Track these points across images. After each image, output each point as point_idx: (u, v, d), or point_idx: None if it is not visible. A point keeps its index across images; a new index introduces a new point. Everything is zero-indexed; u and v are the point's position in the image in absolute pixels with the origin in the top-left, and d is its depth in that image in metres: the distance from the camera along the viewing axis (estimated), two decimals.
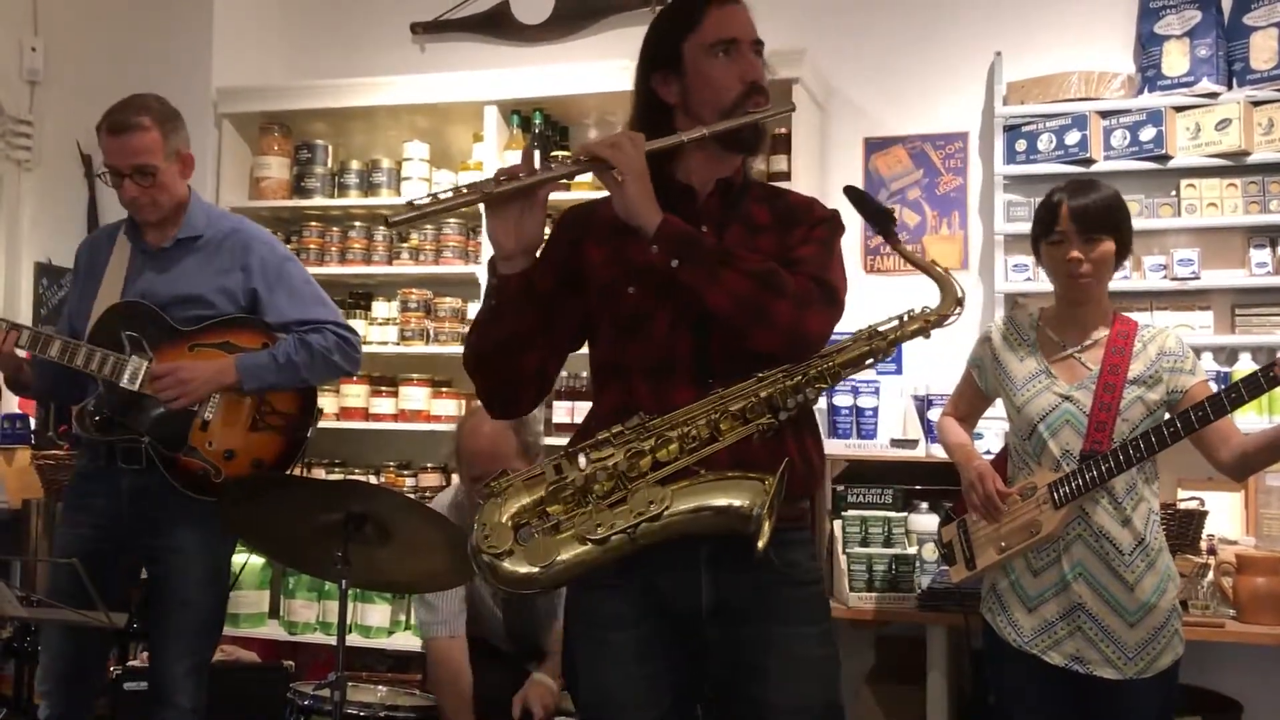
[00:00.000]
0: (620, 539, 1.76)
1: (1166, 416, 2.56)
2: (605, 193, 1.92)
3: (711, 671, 1.96)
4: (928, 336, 1.98)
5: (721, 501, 1.78)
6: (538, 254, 1.99)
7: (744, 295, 1.84)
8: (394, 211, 1.85)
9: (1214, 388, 2.56)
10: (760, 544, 1.76)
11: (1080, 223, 2.56)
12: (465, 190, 1.87)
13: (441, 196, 1.85)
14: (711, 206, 2.02)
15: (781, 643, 1.91)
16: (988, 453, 3.06)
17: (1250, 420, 3.42)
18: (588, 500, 1.80)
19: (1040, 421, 2.61)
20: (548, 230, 2.02)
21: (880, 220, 2.04)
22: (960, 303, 1.98)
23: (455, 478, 3.74)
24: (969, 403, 2.90)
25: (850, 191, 2.06)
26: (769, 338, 1.85)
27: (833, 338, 1.95)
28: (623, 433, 1.83)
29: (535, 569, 1.76)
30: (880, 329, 1.94)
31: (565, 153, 4.29)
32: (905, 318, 1.96)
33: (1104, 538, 2.53)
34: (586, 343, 2.09)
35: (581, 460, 1.82)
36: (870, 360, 1.95)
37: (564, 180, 2.00)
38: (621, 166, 1.85)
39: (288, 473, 2.99)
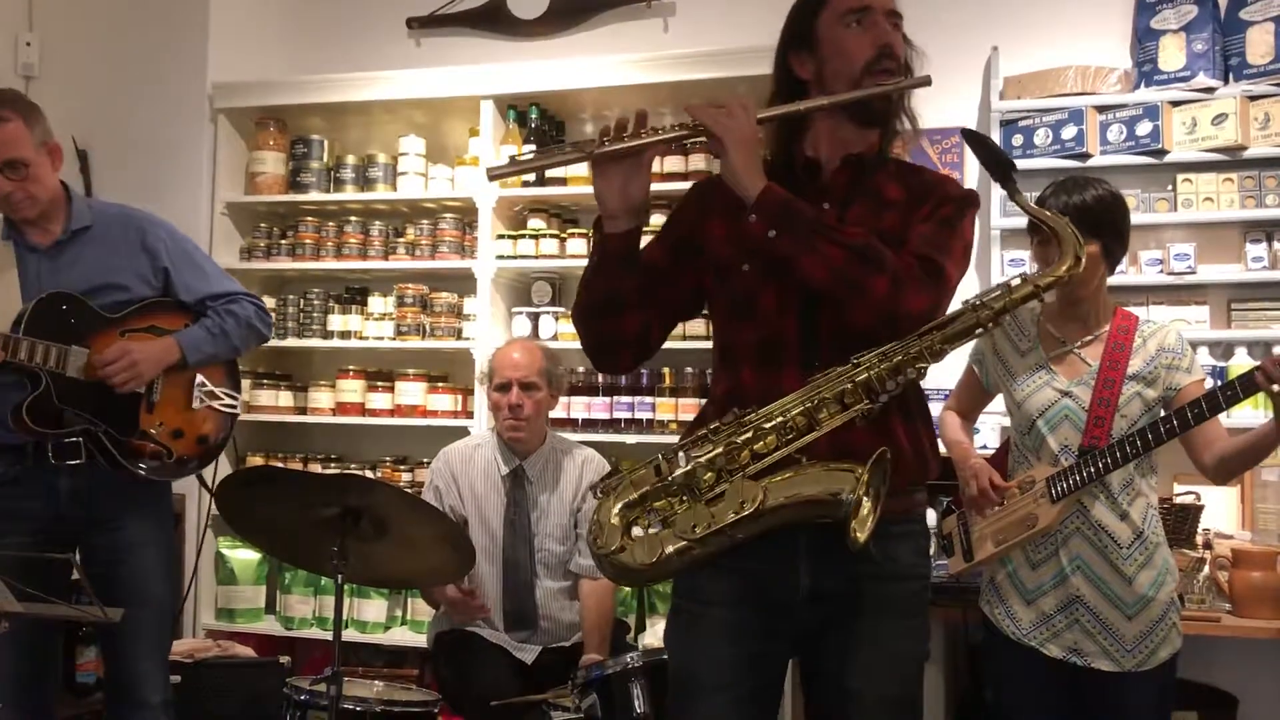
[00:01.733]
0: (718, 536, 1.79)
1: (1163, 414, 2.57)
2: None
3: (804, 657, 1.98)
4: (1042, 301, 1.89)
5: (813, 491, 1.79)
6: (665, 221, 2.00)
7: (839, 267, 1.80)
8: (493, 166, 1.86)
9: (1209, 387, 2.57)
10: (861, 536, 1.75)
11: (1076, 224, 2.55)
12: (569, 148, 1.87)
13: (544, 151, 1.86)
14: (838, 182, 1.98)
15: (870, 635, 1.91)
16: (984, 448, 3.06)
17: (1246, 415, 3.43)
18: (691, 495, 1.82)
19: (1039, 417, 2.62)
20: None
21: (1000, 169, 1.94)
22: (1081, 260, 1.87)
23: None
24: (970, 398, 2.91)
25: (969, 135, 1.98)
26: (864, 313, 1.82)
27: None
28: (721, 428, 1.83)
29: (642, 564, 1.81)
30: (985, 298, 1.85)
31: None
32: (1013, 284, 1.86)
33: (1102, 531, 2.54)
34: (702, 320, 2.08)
35: (681, 458, 1.83)
36: (979, 332, 1.85)
37: (670, 144, 1.94)
38: (725, 134, 1.83)
39: (280, 466, 2.99)
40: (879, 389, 1.81)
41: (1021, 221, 3.14)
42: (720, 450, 1.81)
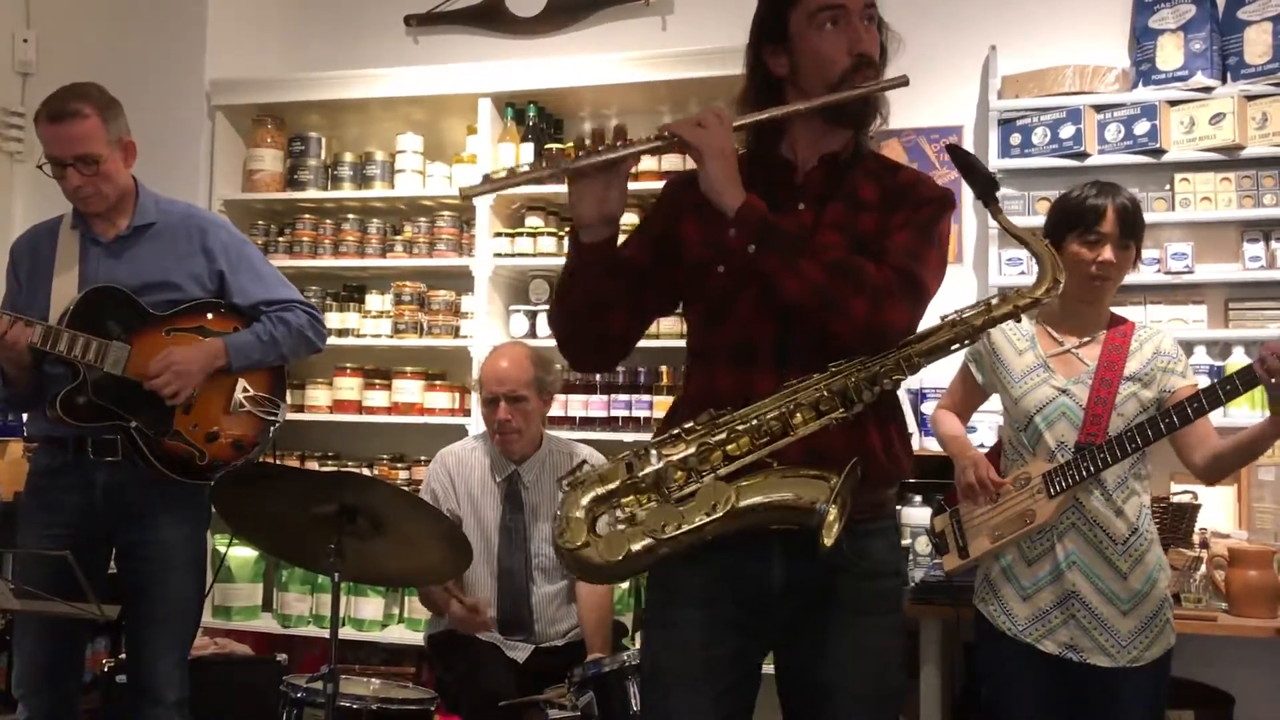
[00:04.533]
0: (687, 536, 1.79)
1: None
2: None
3: (778, 653, 1.98)
4: (1018, 320, 1.93)
5: (785, 496, 1.80)
6: (638, 223, 1.99)
7: (820, 286, 1.80)
8: (467, 186, 1.83)
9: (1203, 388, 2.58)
10: (828, 541, 1.77)
11: (1123, 226, 2.58)
12: (544, 163, 1.86)
13: (518, 170, 1.84)
14: (813, 182, 1.97)
15: (847, 630, 1.91)
16: (981, 446, 3.07)
17: (1244, 415, 3.43)
18: (660, 494, 1.82)
19: (1037, 414, 2.63)
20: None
21: (984, 187, 1.94)
22: (1059, 283, 1.90)
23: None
24: (964, 397, 2.91)
25: (954, 151, 1.97)
26: (843, 331, 1.83)
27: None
28: (694, 428, 1.83)
29: (608, 560, 1.81)
30: (965, 315, 1.88)
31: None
32: (993, 301, 1.90)
33: (1098, 526, 2.55)
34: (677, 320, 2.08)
35: (653, 456, 1.83)
36: (955, 347, 1.89)
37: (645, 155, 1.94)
38: (702, 146, 1.82)
39: (278, 462, 2.99)
40: (855, 398, 1.83)
41: (1020, 222, 3.14)
42: (692, 450, 1.82)
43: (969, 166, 1.95)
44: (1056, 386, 2.63)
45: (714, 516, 1.78)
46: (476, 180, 1.86)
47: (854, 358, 1.84)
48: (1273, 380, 2.38)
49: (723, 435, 1.82)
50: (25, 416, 3.51)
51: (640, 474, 1.82)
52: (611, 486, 1.83)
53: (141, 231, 2.91)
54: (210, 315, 2.92)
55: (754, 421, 1.82)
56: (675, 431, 1.84)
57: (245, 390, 2.94)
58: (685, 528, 1.78)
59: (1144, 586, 2.54)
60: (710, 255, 1.94)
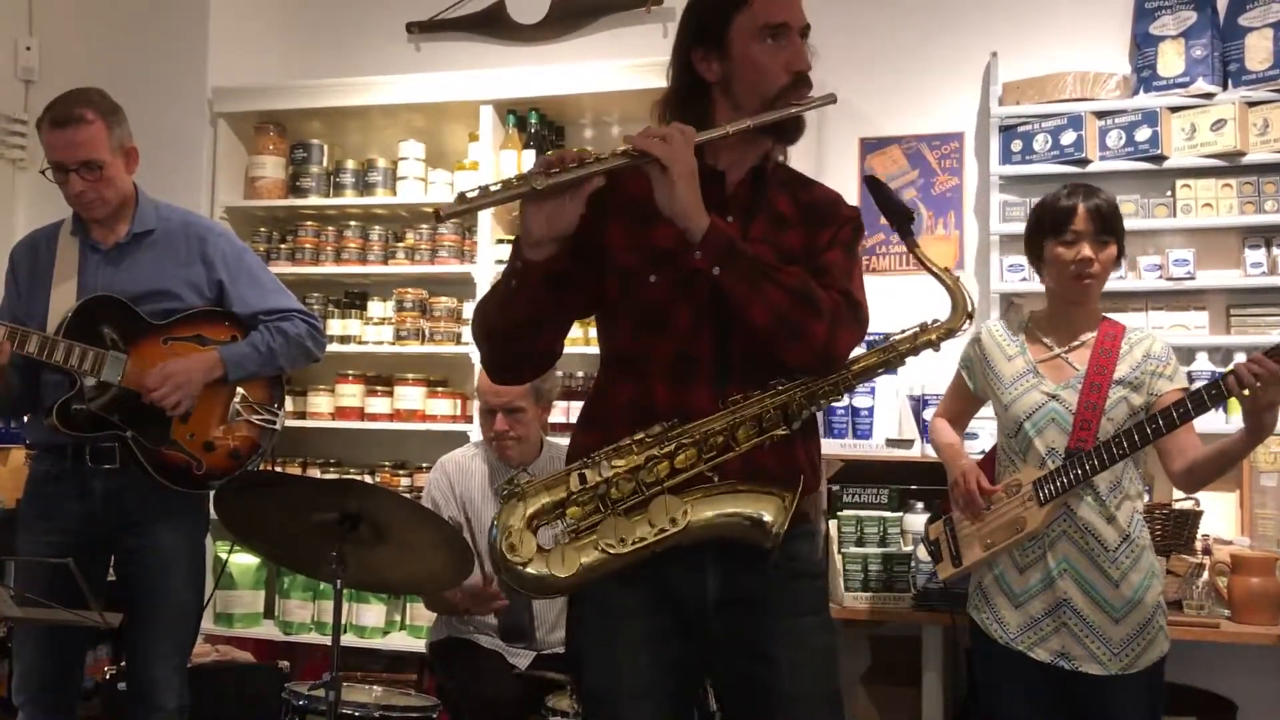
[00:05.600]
0: (640, 551, 1.80)
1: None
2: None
3: (719, 661, 1.98)
4: (937, 349, 2.00)
5: (743, 510, 1.84)
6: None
7: (783, 311, 1.83)
8: (444, 205, 1.81)
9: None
10: (775, 551, 1.82)
11: (1096, 224, 2.59)
12: (515, 182, 1.82)
13: (491, 189, 1.81)
14: (740, 195, 1.99)
15: (787, 632, 1.93)
16: (982, 453, 3.07)
17: (1237, 422, 3.42)
18: (607, 505, 1.82)
19: (1026, 419, 2.63)
20: None
21: (899, 218, 2.01)
22: (971, 315, 2.00)
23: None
24: (960, 404, 2.92)
25: (870, 183, 2.03)
26: (801, 354, 1.86)
27: None
28: (644, 440, 1.84)
29: (556, 574, 1.80)
30: (895, 341, 1.98)
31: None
32: (920, 329, 1.98)
33: (1089, 534, 2.55)
34: (596, 326, 2.07)
35: (603, 467, 1.82)
36: (882, 370, 2.00)
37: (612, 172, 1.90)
38: (672, 165, 1.80)
39: (279, 469, 2.99)
40: (795, 414, 1.88)
41: (1018, 228, 3.13)
42: (641, 462, 1.82)
43: (884, 198, 2.02)
44: (1046, 392, 2.62)
45: (671, 531, 1.80)
46: (471, 195, 1.84)
47: (795, 376, 1.88)
48: (1244, 391, 2.38)
49: (671, 448, 1.83)
50: (26, 422, 3.51)
51: (589, 484, 1.82)
52: (559, 497, 1.83)
53: (140, 239, 2.91)
54: (208, 324, 2.92)
55: (701, 435, 1.84)
56: (625, 443, 1.84)
57: (243, 399, 2.93)
58: (641, 542, 1.80)
59: (1136, 594, 2.54)
60: (640, 262, 1.93)
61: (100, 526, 2.83)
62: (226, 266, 2.95)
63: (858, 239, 2.02)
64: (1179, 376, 2.65)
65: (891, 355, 1.98)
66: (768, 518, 1.83)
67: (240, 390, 2.93)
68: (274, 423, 3.00)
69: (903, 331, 1.99)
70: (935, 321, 2.00)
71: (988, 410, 2.93)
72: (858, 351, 1.98)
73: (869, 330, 1.99)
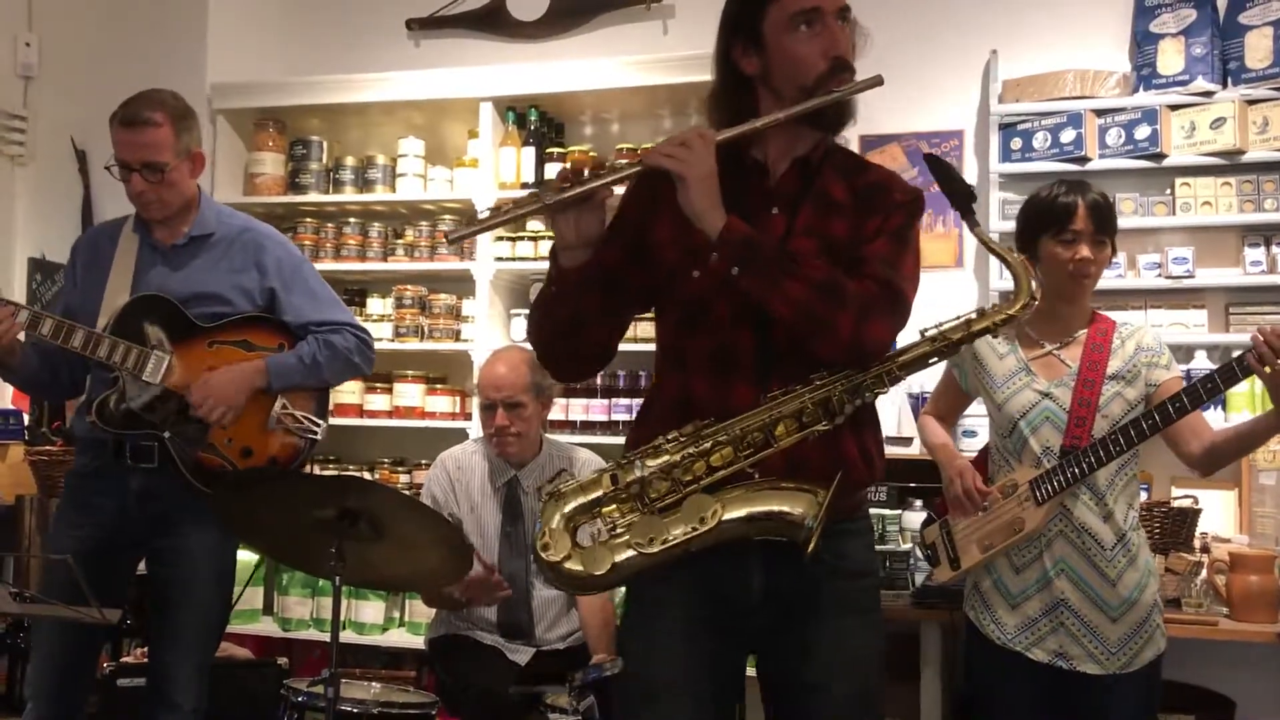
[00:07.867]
0: (674, 550, 1.80)
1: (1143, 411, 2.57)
2: None
3: (760, 657, 1.99)
4: (995, 335, 1.94)
5: (773, 508, 1.81)
6: (610, 222, 1.98)
7: (805, 306, 1.80)
8: (452, 228, 1.83)
9: (1185, 384, 2.57)
10: (809, 550, 1.78)
11: (1095, 223, 2.57)
12: (526, 201, 1.87)
13: (502, 209, 1.86)
14: (786, 185, 1.96)
15: (831, 631, 1.92)
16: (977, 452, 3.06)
17: (1244, 417, 3.43)
18: (643, 504, 1.82)
19: (1020, 418, 2.61)
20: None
21: (961, 198, 1.93)
22: (1035, 298, 1.91)
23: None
24: (949, 402, 2.92)
25: (931, 161, 1.96)
26: (829, 348, 1.83)
27: None
28: (679, 438, 1.84)
29: (592, 572, 1.81)
30: (946, 330, 1.90)
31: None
32: (973, 316, 1.91)
33: (1086, 533, 2.54)
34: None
35: (637, 466, 1.83)
36: (933, 360, 1.91)
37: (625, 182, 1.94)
38: (684, 173, 1.81)
39: (280, 469, 2.98)
40: (837, 410, 1.84)
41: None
42: (676, 460, 1.82)
43: (947, 175, 1.95)
44: (1039, 390, 2.61)
45: (700, 530, 1.79)
46: (481, 211, 1.87)
47: (836, 369, 1.85)
48: (1265, 369, 2.35)
49: (707, 445, 1.83)
50: (68, 418, 3.54)
51: (624, 484, 1.82)
52: (594, 496, 1.83)
53: (199, 242, 2.92)
54: (256, 330, 2.91)
55: (737, 432, 1.83)
56: (658, 442, 1.84)
57: (284, 408, 2.91)
58: (671, 541, 1.79)
59: (1133, 593, 2.52)
60: (684, 258, 1.93)
61: (133, 524, 2.84)
62: (280, 274, 2.94)
63: (912, 223, 1.94)
64: (1174, 365, 2.64)
65: (942, 344, 1.89)
66: (800, 513, 1.80)
67: (281, 399, 2.91)
68: (315, 433, 2.97)
69: (957, 318, 1.91)
70: (994, 306, 1.92)
71: (983, 409, 2.93)
72: (907, 340, 1.93)
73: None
